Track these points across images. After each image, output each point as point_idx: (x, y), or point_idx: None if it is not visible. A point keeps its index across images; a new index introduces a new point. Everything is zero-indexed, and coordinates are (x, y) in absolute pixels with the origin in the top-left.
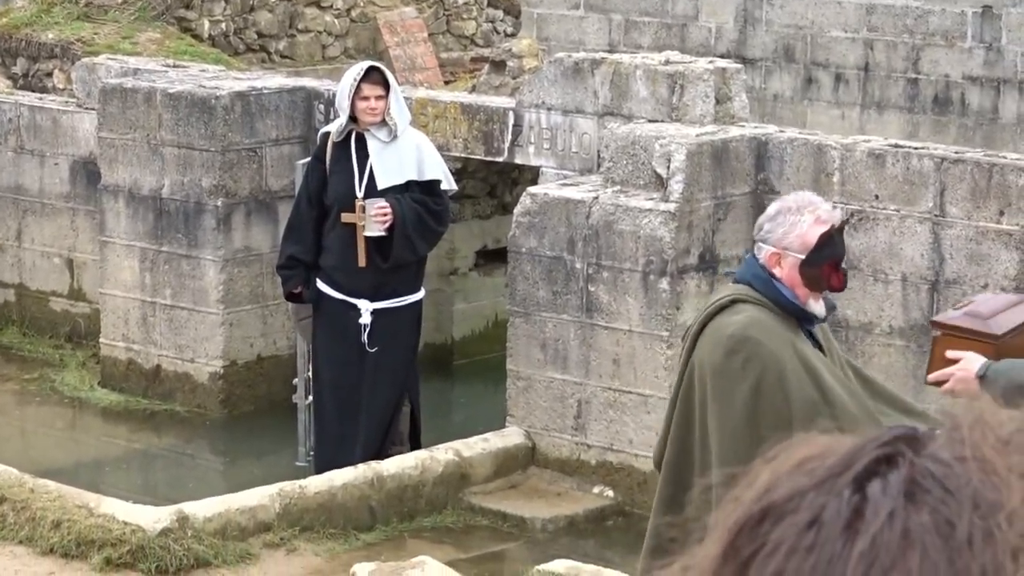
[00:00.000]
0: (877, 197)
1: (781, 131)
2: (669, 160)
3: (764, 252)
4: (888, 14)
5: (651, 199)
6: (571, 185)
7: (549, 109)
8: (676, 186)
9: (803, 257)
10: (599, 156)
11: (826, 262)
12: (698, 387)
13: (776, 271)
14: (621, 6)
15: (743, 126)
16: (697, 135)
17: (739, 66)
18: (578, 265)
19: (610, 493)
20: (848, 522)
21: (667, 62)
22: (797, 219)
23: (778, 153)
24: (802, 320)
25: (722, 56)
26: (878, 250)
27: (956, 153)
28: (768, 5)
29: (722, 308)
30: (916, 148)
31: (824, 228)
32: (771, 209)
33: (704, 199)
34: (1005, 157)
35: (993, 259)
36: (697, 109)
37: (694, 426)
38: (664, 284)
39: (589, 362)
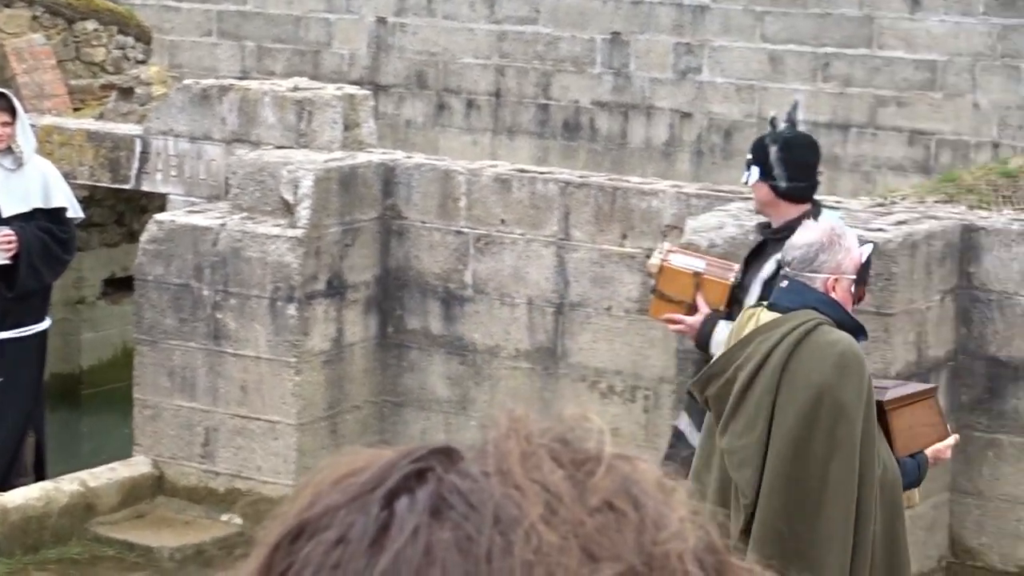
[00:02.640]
0: (503, 221)
1: (409, 157)
2: (297, 186)
3: (820, 280)
4: (519, 41)
5: (278, 225)
6: (198, 212)
7: (177, 136)
8: (304, 212)
9: (854, 277)
10: (227, 183)
11: (867, 277)
12: (801, 408)
13: (832, 294)
14: (254, 32)
15: (371, 152)
16: (325, 161)
17: (367, 92)
18: (205, 292)
19: (238, 520)
20: (374, 539)
21: (295, 88)
22: (850, 244)
23: (406, 179)
24: (861, 335)
25: (355, 82)
26: (504, 274)
27: (580, 177)
28: (401, 32)
29: (808, 332)
30: (541, 173)
31: (862, 246)
32: (813, 239)
33: (332, 225)
34: (628, 181)
35: (617, 281)
36: (325, 135)
37: (806, 448)
38: (292, 310)
39: (217, 389)
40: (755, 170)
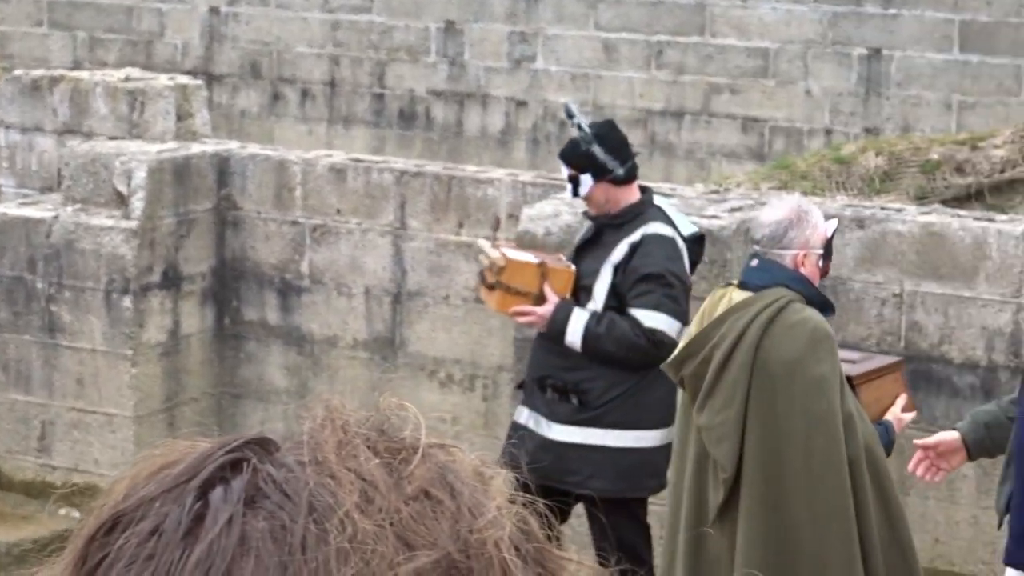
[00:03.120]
0: (339, 211)
1: (243, 147)
2: (130, 177)
3: (789, 256)
4: (353, 30)
5: (112, 217)
6: (31, 204)
7: (8, 127)
8: (138, 203)
9: (821, 252)
10: (60, 174)
11: (832, 252)
12: (777, 386)
13: (801, 270)
14: (85, 23)
15: (205, 142)
16: (158, 152)
17: (200, 82)
18: (39, 285)
19: (76, 514)
20: (188, 530)
21: (127, 79)
22: (817, 220)
23: (240, 169)
24: (828, 311)
25: (189, 73)
26: (341, 264)
27: (416, 167)
28: (234, 21)
29: (780, 310)
30: (377, 162)
31: (828, 220)
32: (782, 217)
33: (167, 216)
34: (464, 170)
35: (454, 270)
36: (158, 126)
37: (783, 425)
38: (127, 302)
39: (53, 383)
40: (586, 178)
